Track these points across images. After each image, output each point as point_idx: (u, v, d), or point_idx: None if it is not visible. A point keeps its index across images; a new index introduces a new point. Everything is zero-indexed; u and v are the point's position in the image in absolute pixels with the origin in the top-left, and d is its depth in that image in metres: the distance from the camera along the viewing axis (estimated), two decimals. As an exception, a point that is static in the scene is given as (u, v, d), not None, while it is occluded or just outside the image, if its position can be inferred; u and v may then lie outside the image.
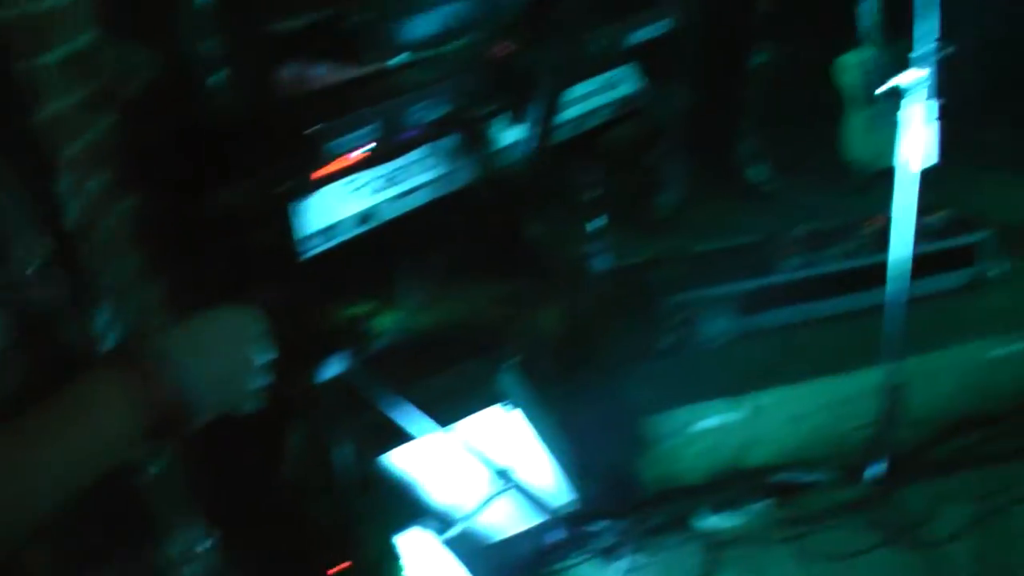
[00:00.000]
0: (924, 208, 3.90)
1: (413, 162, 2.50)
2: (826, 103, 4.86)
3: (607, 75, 3.01)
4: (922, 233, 3.90)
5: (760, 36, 4.74)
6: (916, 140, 2.76)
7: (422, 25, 2.44)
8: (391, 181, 2.47)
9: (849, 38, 4.75)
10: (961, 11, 4.99)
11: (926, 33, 2.71)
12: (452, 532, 2.93)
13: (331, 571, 2.64)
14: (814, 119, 4.90)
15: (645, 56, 3.14)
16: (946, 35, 2.91)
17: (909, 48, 2.88)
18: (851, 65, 4.75)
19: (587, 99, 2.93)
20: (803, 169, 4.87)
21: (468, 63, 2.54)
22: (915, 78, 2.73)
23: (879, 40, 4.66)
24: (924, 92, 2.71)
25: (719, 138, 4.91)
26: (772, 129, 4.90)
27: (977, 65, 5.05)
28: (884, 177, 3.23)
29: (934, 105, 2.71)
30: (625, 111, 3.09)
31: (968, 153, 4.72)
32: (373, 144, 2.38)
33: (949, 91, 3.13)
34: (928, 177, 3.03)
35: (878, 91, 2.84)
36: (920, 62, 2.78)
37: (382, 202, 2.47)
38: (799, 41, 4.99)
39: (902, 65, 2.90)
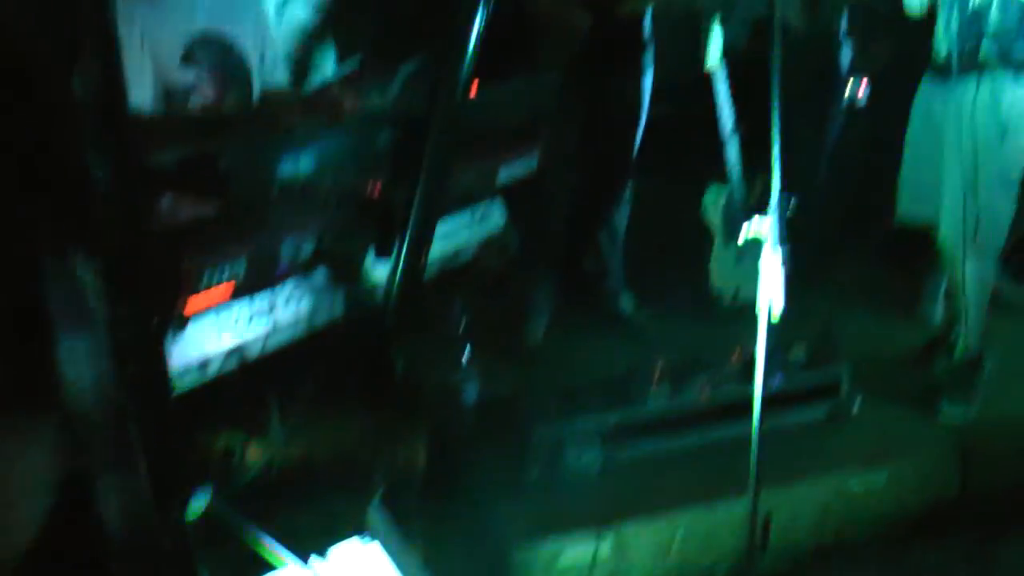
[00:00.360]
0: (786, 343, 4.05)
1: (283, 296, 2.52)
2: (693, 236, 5.00)
3: (475, 209, 3.07)
4: (785, 368, 4.04)
5: (628, 169, 4.87)
6: (769, 284, 2.85)
7: (293, 161, 2.48)
8: (260, 315, 2.48)
9: (714, 174, 4.91)
10: (815, 157, 5.25)
11: (776, 182, 2.81)
12: (315, 669, 2.87)
13: None
14: (681, 251, 5.03)
15: (513, 190, 3.21)
16: (799, 181, 3.03)
17: (767, 188, 2.99)
18: (714, 201, 4.91)
19: (455, 233, 2.98)
20: (670, 301, 4.98)
21: (338, 199, 2.57)
22: (765, 225, 2.83)
23: (739, 179, 4.83)
24: (774, 238, 2.80)
25: (587, 269, 5.00)
26: (639, 260, 5.01)
27: (834, 205, 5.27)
28: (749, 310, 3.32)
29: (781, 251, 2.81)
30: (493, 244, 3.15)
31: (829, 289, 4.91)
32: (243, 278, 2.39)
33: (807, 230, 3.25)
34: (789, 314, 3.12)
35: (739, 240, 2.92)
36: (769, 210, 2.87)
37: (251, 336, 2.48)
38: (666, 175, 5.15)
39: (762, 204, 3.00)
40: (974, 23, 3.95)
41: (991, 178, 4.01)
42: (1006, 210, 4.13)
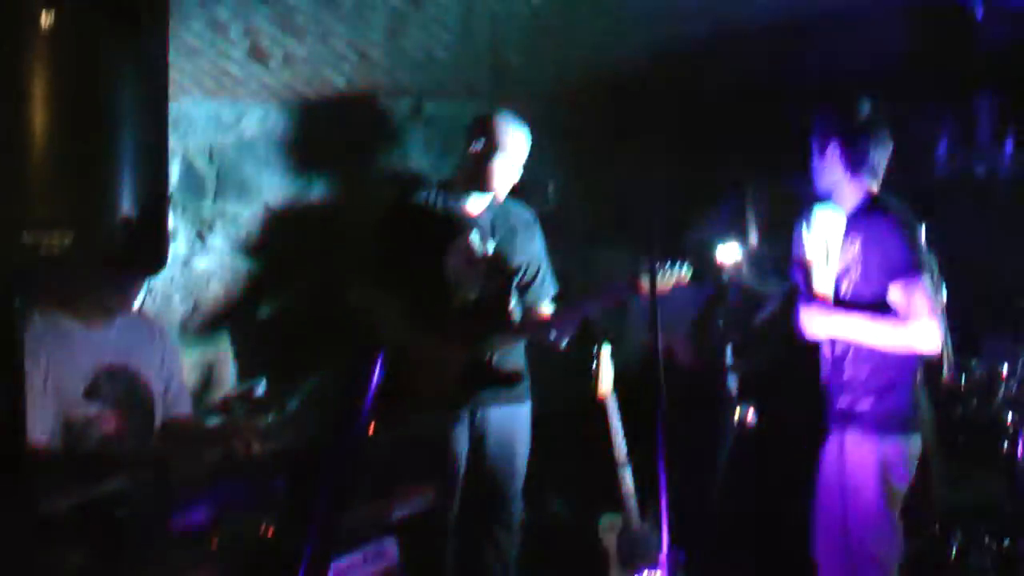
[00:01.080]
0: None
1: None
2: (588, 561, 5.03)
3: (368, 547, 3.12)
4: None
5: (518, 497, 4.90)
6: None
7: (189, 506, 2.54)
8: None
9: (608, 500, 4.99)
10: (708, 483, 5.37)
11: (664, 533, 2.87)
12: None
13: None
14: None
15: (407, 527, 3.27)
16: (692, 511, 3.10)
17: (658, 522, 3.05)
18: (608, 527, 4.98)
19: (348, 572, 3.03)
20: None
21: (231, 543, 2.62)
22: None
23: (633, 505, 4.92)
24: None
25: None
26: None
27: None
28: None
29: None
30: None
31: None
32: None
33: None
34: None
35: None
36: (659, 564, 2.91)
37: None
38: (561, 500, 5.23)
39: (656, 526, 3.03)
40: None
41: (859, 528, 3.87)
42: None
